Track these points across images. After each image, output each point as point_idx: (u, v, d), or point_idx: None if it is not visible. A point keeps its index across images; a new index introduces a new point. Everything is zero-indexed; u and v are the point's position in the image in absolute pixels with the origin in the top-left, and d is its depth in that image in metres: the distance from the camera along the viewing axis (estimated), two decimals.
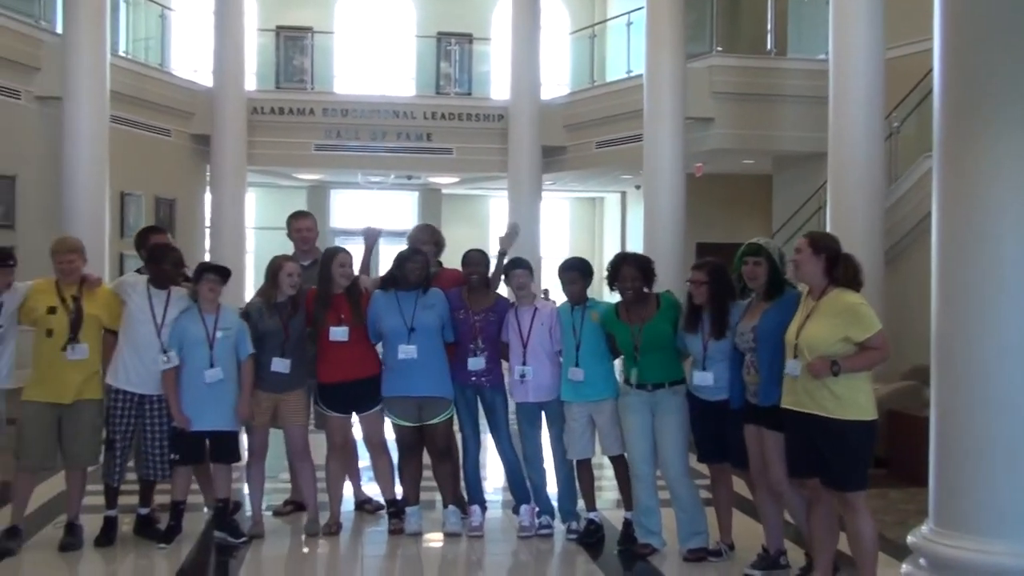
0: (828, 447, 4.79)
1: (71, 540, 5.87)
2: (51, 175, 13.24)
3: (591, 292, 6.27)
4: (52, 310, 5.80)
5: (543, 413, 6.25)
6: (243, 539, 6.02)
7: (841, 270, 4.92)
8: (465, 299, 6.30)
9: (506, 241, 6.73)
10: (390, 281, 6.22)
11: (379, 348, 6.38)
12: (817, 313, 4.87)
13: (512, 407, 6.39)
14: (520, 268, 6.29)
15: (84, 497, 6.13)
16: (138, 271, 6.25)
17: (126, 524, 6.14)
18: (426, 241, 6.62)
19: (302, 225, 6.92)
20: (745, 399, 5.34)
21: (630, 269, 5.85)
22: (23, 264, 6.02)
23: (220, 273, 6.04)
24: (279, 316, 6.10)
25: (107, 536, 5.96)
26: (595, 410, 6.03)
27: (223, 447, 6.05)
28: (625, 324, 5.88)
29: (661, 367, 5.80)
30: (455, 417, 6.32)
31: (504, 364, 6.36)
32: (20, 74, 13.37)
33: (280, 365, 6.07)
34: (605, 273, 6.00)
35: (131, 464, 6.14)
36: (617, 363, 6.19)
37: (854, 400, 4.78)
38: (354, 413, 6.34)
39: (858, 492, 4.85)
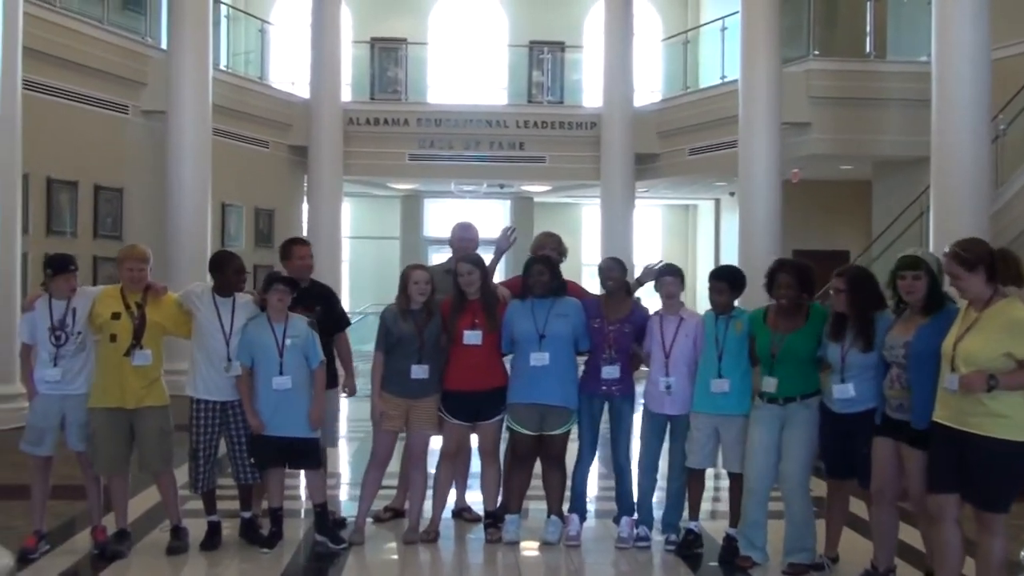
0: (979, 466, 4.52)
1: (177, 544, 6.01)
2: (156, 187, 13.63)
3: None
4: (116, 316, 5.91)
5: (669, 424, 6.16)
6: (343, 545, 6.09)
7: (1002, 270, 4.61)
8: (602, 308, 6.30)
9: (646, 277, 6.62)
10: (525, 289, 6.26)
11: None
12: (979, 325, 4.58)
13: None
14: (671, 276, 6.20)
15: (184, 502, 6.29)
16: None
17: (228, 528, 6.25)
18: (552, 248, 6.66)
19: (463, 235, 6.99)
20: (883, 412, 5.17)
21: (786, 276, 5.67)
22: None
23: (289, 284, 6.12)
24: (413, 322, 6.17)
25: (211, 540, 6.08)
26: (723, 423, 5.90)
27: (301, 454, 6.09)
28: (768, 330, 5.73)
29: (796, 379, 5.61)
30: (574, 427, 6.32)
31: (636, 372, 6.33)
32: (128, 89, 13.82)
33: (419, 372, 6.15)
34: (764, 281, 5.83)
35: (230, 470, 6.28)
36: None
37: (1014, 419, 4.49)
38: (475, 423, 6.33)
39: (1000, 514, 4.61)
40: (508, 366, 6.35)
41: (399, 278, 6.29)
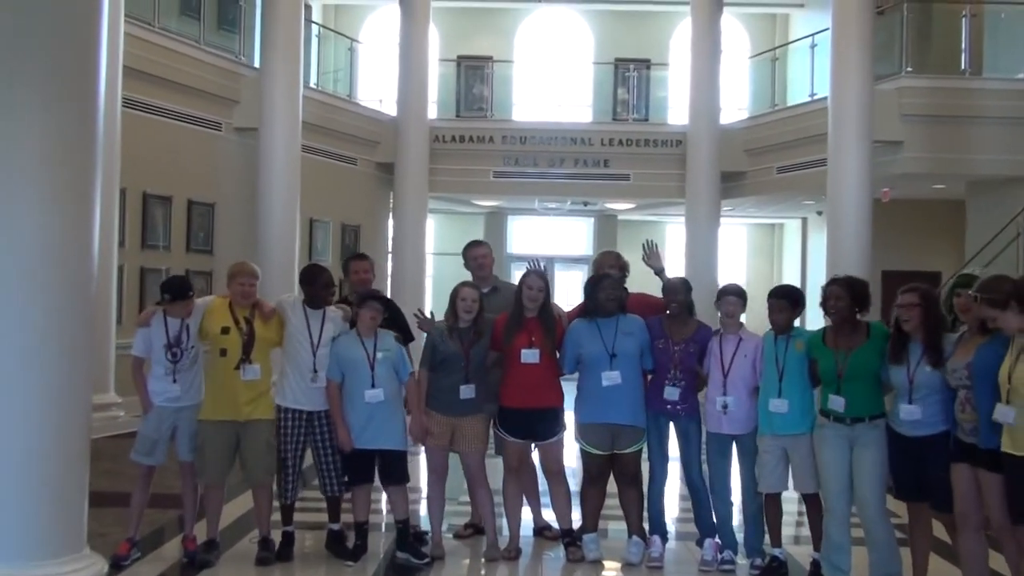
0: None
1: (265, 555, 6.09)
2: (246, 202, 13.91)
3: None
4: (226, 331, 6.04)
5: (734, 445, 6.12)
6: (425, 560, 6.12)
7: None
8: (666, 328, 6.27)
9: (655, 261, 6.70)
10: (588, 310, 6.25)
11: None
12: None
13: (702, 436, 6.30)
14: (732, 296, 6.19)
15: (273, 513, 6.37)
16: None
17: (311, 540, 6.31)
18: (611, 265, 6.66)
19: (477, 253, 7.03)
20: (956, 437, 5.07)
21: (836, 289, 5.64)
22: (219, 287, 6.29)
23: (383, 302, 6.20)
24: (460, 341, 6.20)
25: (285, 551, 6.15)
26: (791, 444, 5.84)
27: (390, 467, 6.14)
28: (830, 350, 5.65)
29: (864, 399, 5.52)
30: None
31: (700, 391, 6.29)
32: (221, 107, 14.14)
33: (467, 392, 6.17)
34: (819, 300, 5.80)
35: (315, 482, 6.36)
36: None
37: None
38: (532, 441, 6.32)
39: None
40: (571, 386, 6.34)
41: (450, 295, 6.29)
